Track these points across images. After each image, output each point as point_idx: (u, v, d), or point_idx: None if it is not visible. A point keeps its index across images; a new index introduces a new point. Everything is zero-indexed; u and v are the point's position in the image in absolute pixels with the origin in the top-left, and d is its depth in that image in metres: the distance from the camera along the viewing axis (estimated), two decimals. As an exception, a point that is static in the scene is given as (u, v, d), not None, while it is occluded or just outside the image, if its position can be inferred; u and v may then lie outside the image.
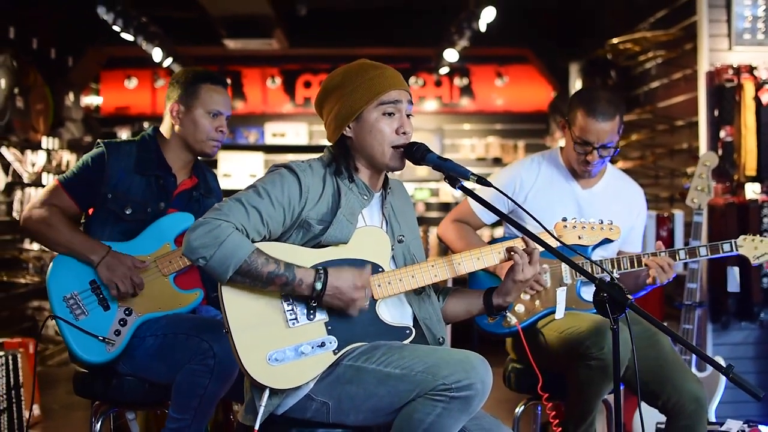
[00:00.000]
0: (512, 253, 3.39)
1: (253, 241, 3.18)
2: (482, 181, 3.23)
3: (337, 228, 3.28)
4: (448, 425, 3.04)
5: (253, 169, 12.82)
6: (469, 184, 3.30)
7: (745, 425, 4.81)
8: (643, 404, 4.45)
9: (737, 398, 5.93)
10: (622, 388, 4.31)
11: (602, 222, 3.69)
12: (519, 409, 4.55)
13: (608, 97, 4.37)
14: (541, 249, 3.35)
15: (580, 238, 3.65)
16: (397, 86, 3.35)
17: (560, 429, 4.06)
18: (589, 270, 4.13)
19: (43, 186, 9.78)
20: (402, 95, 3.35)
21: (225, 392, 4.00)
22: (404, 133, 3.33)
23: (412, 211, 3.65)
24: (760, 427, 4.75)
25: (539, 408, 4.65)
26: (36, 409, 7.10)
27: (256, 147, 13.06)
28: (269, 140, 13.10)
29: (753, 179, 6.53)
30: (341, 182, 3.36)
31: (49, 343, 9.82)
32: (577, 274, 4.32)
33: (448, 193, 12.88)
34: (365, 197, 3.39)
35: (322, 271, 3.19)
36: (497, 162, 12.81)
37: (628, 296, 2.98)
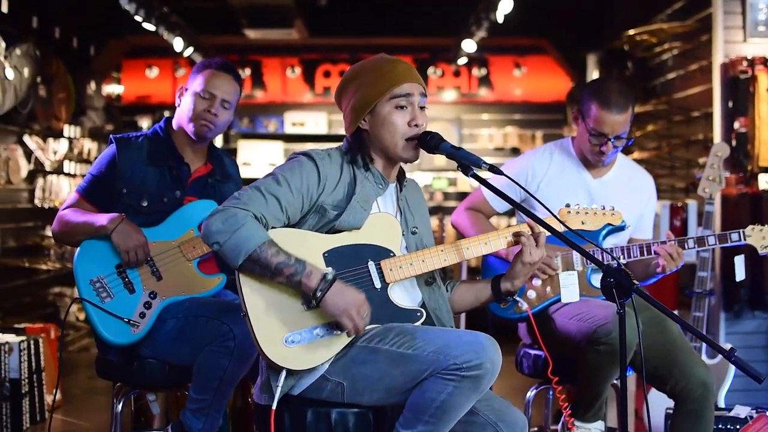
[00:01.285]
0: (522, 237, 3.48)
1: (273, 228, 3.27)
2: (494, 169, 3.32)
3: (350, 214, 3.37)
4: (460, 403, 3.13)
5: (273, 158, 12.86)
6: (482, 173, 3.39)
7: (753, 411, 4.87)
8: (654, 390, 4.53)
9: (748, 386, 5.97)
10: (632, 373, 4.38)
11: (604, 208, 3.78)
12: (530, 394, 4.63)
13: (620, 89, 4.43)
14: (547, 233, 3.44)
15: (583, 223, 3.74)
16: (408, 79, 3.42)
17: (570, 412, 4.13)
18: (599, 257, 4.20)
19: (65, 174, 9.91)
20: (414, 88, 3.43)
21: (244, 373, 4.08)
22: (416, 125, 3.41)
23: (426, 208, 3.74)
24: (768, 413, 4.80)
25: (551, 393, 4.72)
26: (58, 394, 7.18)
27: (276, 136, 13.12)
28: (289, 129, 13.14)
29: (766, 170, 6.55)
30: (357, 171, 3.45)
31: (70, 329, 9.92)
32: (588, 261, 4.38)
33: (465, 182, 12.91)
34: (380, 186, 3.48)
35: (332, 271, 3.27)
36: (515, 152, 12.82)
37: (635, 282, 3.05)
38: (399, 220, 3.54)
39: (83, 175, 10.50)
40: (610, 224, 3.79)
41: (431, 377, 3.14)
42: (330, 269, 3.28)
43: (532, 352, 4.58)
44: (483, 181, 3.41)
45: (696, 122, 7.83)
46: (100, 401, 7.44)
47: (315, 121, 13.12)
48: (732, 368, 5.33)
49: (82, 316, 9.98)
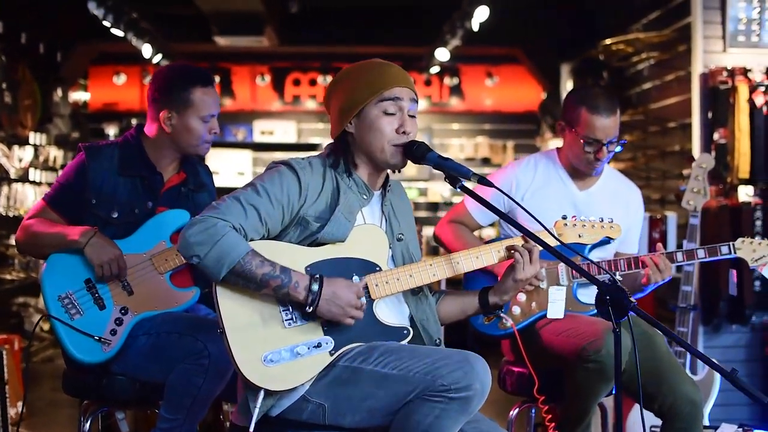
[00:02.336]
0: (512, 251, 3.36)
1: (252, 241, 3.14)
2: (483, 180, 3.19)
3: (334, 226, 3.24)
4: (447, 426, 3.00)
5: (241, 166, 12.77)
6: (470, 185, 3.27)
7: (740, 429, 4.77)
8: (638, 408, 4.42)
9: (729, 401, 5.91)
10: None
11: (602, 220, 3.63)
12: (513, 412, 4.51)
13: (605, 92, 4.39)
14: (540, 248, 3.31)
15: (580, 236, 3.59)
16: (399, 83, 3.30)
17: (556, 432, 4.02)
18: (589, 272, 4.08)
19: (30, 182, 9.77)
20: (404, 93, 3.30)
21: (219, 392, 3.95)
22: (404, 132, 3.29)
23: (410, 210, 3.61)
24: (756, 431, 4.71)
25: (533, 411, 4.60)
26: (21, 406, 7.02)
27: (245, 145, 13.02)
28: (258, 138, 13.04)
29: (746, 182, 6.51)
30: (341, 180, 3.31)
31: (33, 339, 9.74)
32: (574, 275, 4.29)
33: (436, 192, 12.83)
34: (364, 196, 3.35)
35: (318, 276, 3.14)
36: (486, 162, 12.80)
37: (631, 300, 2.94)
38: (384, 227, 3.41)
39: (49, 184, 10.47)
40: (609, 237, 3.66)
41: (417, 399, 3.01)
42: (316, 276, 3.14)
43: (516, 369, 4.46)
44: (472, 194, 3.29)
45: (672, 133, 7.77)
46: (65, 414, 7.27)
47: (284, 130, 13.02)
48: (716, 384, 5.25)
49: (46, 326, 9.80)
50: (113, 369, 4.07)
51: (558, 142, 11.38)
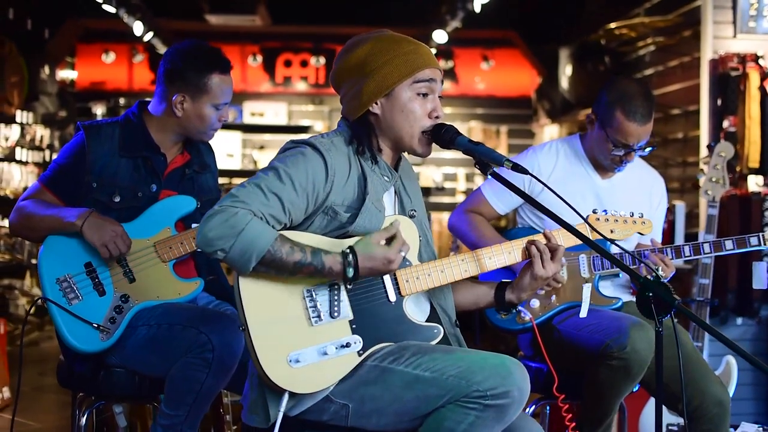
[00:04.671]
0: (532, 246, 3.16)
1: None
2: (518, 167, 3.00)
3: (366, 218, 3.03)
4: None
5: (231, 148, 12.64)
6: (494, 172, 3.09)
7: (760, 428, 4.62)
8: (653, 404, 4.27)
9: (739, 395, 5.79)
10: (638, 388, 4.12)
11: (633, 215, 3.47)
12: (530, 410, 4.35)
13: (644, 93, 4.15)
14: (565, 246, 3.15)
15: (612, 231, 3.42)
16: (432, 64, 3.11)
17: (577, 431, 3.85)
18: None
19: (17, 161, 9.63)
20: (436, 74, 3.12)
21: (223, 387, 3.79)
22: (437, 116, 3.11)
23: (418, 185, 3.40)
24: (779, 430, 4.57)
25: (548, 408, 4.44)
26: (6, 392, 6.87)
27: (234, 126, 12.86)
28: (248, 119, 12.91)
29: (756, 171, 6.39)
30: (365, 163, 3.10)
31: (18, 322, 9.56)
32: (595, 268, 4.12)
33: (428, 177, 12.69)
34: (387, 179, 3.15)
35: (349, 252, 2.93)
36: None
37: (676, 297, 2.77)
38: (396, 206, 3.22)
39: (36, 163, 10.31)
40: (640, 233, 3.50)
41: (450, 404, 2.84)
42: (348, 254, 2.93)
43: (533, 365, 4.28)
44: (505, 182, 3.07)
45: (675, 120, 7.65)
46: (51, 399, 7.18)
47: (275, 112, 12.88)
48: (734, 381, 5.11)
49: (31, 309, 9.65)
50: (111, 361, 3.88)
51: (553, 128, 11.20)
